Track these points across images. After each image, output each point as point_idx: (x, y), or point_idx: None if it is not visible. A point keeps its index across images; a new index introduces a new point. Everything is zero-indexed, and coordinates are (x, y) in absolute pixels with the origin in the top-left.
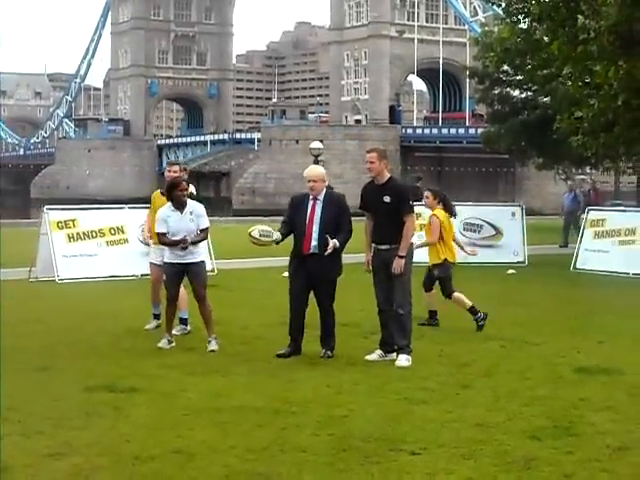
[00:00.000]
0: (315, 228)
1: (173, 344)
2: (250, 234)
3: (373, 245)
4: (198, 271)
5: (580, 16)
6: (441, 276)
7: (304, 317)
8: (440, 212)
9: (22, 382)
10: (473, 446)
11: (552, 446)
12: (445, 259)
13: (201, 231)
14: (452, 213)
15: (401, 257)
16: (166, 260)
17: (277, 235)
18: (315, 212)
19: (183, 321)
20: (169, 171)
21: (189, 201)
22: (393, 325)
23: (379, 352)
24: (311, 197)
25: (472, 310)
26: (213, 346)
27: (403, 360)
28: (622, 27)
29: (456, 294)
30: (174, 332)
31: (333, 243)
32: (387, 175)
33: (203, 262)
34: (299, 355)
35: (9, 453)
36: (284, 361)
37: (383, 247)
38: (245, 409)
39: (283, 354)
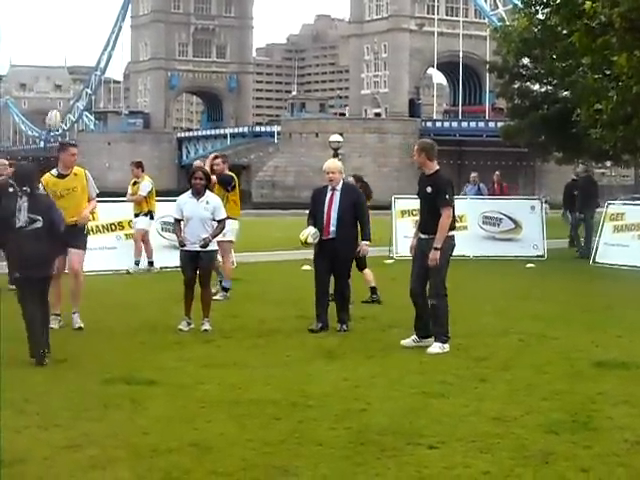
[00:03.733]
0: (333, 215)
1: (192, 325)
2: (306, 242)
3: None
4: (207, 259)
5: (588, 2)
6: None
7: (328, 296)
8: None
9: (39, 374)
10: (490, 440)
11: (570, 440)
12: None
13: (218, 222)
14: (370, 197)
15: (436, 249)
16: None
17: (316, 230)
18: (333, 201)
19: (225, 289)
20: (216, 165)
21: (208, 192)
22: (430, 314)
23: (414, 337)
24: (330, 187)
25: (374, 289)
26: (206, 326)
27: (435, 347)
28: (634, 14)
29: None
30: (217, 298)
31: (365, 247)
32: (435, 167)
33: (214, 251)
34: (327, 330)
35: (27, 445)
36: (301, 354)
37: (423, 236)
38: (262, 402)
39: (314, 329)
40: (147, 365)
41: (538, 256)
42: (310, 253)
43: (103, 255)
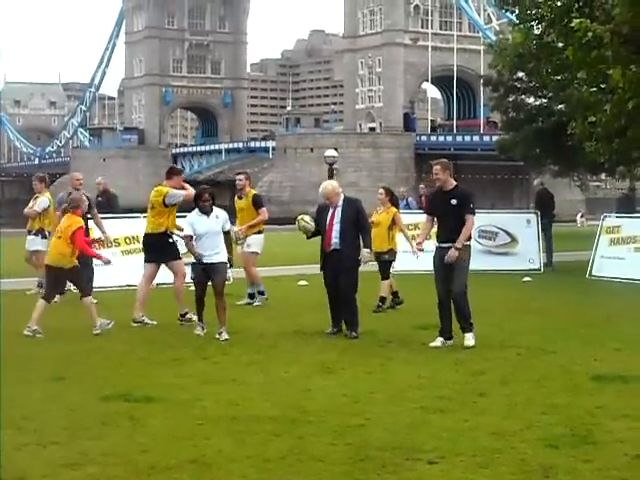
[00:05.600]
0: (336, 227)
1: (205, 330)
2: (304, 219)
3: (436, 244)
4: (219, 270)
5: (576, 20)
6: (392, 260)
7: (339, 302)
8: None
9: (38, 391)
10: (490, 455)
11: (570, 454)
12: (392, 247)
13: (225, 233)
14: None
15: (457, 248)
16: (195, 261)
17: (313, 228)
18: (335, 216)
19: (260, 292)
20: (239, 180)
21: (215, 208)
22: (455, 311)
23: (440, 339)
24: (331, 206)
25: (395, 293)
26: (225, 336)
27: (469, 339)
28: (626, 29)
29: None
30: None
31: (367, 254)
32: (453, 183)
33: (225, 263)
34: (340, 333)
35: (25, 463)
36: (300, 370)
37: (445, 245)
38: (261, 418)
39: (330, 333)
40: (145, 382)
41: (534, 270)
42: (306, 268)
43: (99, 271)
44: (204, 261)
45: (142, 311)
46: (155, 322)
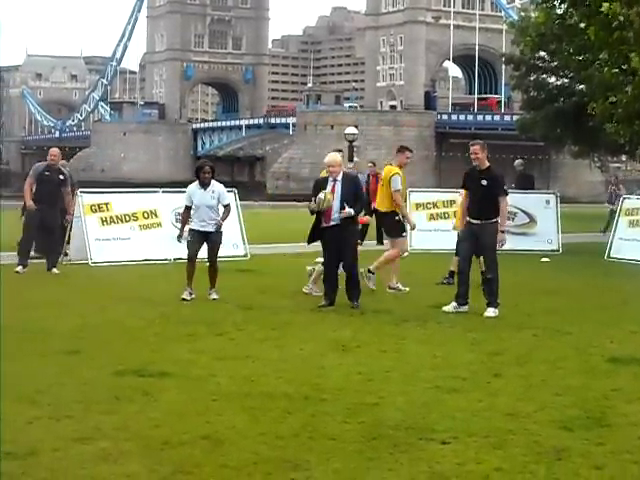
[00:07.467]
0: (336, 203)
1: (194, 295)
2: (328, 194)
3: (467, 218)
4: (214, 239)
5: (605, 3)
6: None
7: (336, 277)
8: None
9: (52, 365)
10: (503, 436)
11: (583, 437)
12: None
13: (224, 207)
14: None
15: (502, 232)
16: (192, 227)
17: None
18: (335, 190)
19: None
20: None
21: (213, 182)
22: (484, 285)
23: (454, 304)
24: (331, 179)
25: (452, 274)
26: (214, 295)
27: (490, 312)
28: None
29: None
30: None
31: (348, 211)
32: (487, 164)
33: (220, 232)
34: (333, 307)
35: (38, 437)
36: (315, 347)
37: (475, 221)
38: (275, 395)
39: (323, 305)
40: (159, 357)
41: (553, 250)
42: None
43: (117, 246)
44: (198, 229)
45: (397, 278)
46: (408, 288)
